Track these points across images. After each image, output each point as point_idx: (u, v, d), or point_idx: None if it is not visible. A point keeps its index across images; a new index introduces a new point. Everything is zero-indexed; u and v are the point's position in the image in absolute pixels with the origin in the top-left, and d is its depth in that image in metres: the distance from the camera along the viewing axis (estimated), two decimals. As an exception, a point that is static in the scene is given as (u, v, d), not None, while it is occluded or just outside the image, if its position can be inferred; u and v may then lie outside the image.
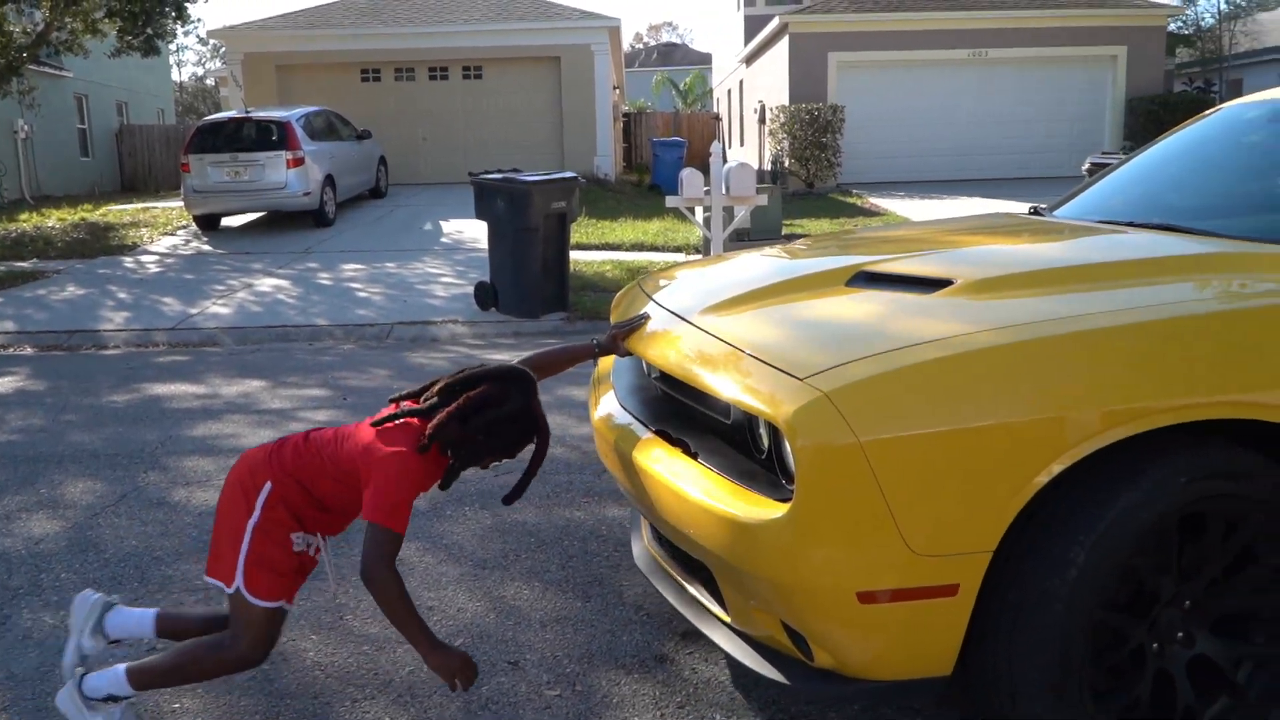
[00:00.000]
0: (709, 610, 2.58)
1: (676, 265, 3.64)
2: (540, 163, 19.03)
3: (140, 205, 18.32)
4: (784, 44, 21.20)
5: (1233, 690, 2.35)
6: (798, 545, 2.08)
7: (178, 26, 16.89)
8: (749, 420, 2.40)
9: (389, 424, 2.42)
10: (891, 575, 2.07)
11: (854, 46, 20.79)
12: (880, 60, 20.99)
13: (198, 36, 63.78)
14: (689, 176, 8.96)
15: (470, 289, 9.43)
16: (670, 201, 9.12)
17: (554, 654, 3.07)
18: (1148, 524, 2.13)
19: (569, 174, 8.80)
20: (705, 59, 47.94)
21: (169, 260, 12.25)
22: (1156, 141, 3.99)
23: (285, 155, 13.49)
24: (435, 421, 2.38)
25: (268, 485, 2.43)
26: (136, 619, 2.69)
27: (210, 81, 57.23)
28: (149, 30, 15.85)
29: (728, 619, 2.47)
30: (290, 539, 2.44)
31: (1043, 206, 4.00)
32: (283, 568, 2.45)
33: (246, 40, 20.94)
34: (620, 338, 2.94)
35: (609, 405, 3.03)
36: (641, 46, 66.59)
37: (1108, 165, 10.27)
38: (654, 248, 12.43)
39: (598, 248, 12.44)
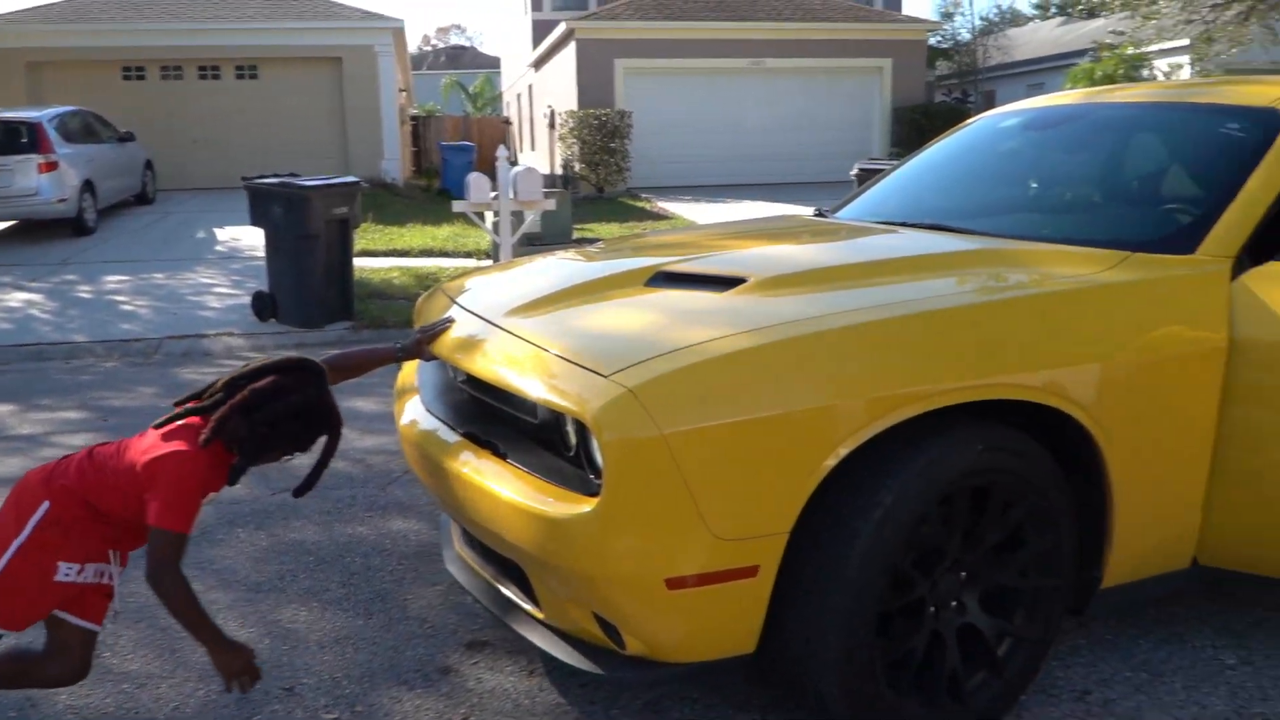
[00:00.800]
0: (522, 609, 2.62)
1: (480, 269, 3.73)
2: (324, 167, 18.41)
3: None
4: (571, 49, 21.34)
5: (993, 665, 2.58)
6: (607, 537, 2.17)
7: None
8: (556, 419, 2.45)
9: (171, 424, 2.33)
10: (697, 560, 2.17)
11: (640, 53, 21.16)
12: (665, 67, 21.45)
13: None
14: (476, 181, 8.87)
15: (247, 299, 9.01)
16: (457, 206, 9.01)
17: (333, 676, 2.96)
18: (926, 502, 2.32)
19: (351, 178, 8.55)
20: (494, 63, 47.73)
21: (-96, 274, 11.11)
22: (924, 148, 4.34)
23: (36, 159, 12.48)
24: (217, 416, 2.30)
25: (44, 505, 2.29)
26: None
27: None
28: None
29: (541, 616, 2.53)
30: (56, 565, 2.28)
31: (826, 209, 4.26)
32: (36, 594, 2.30)
33: (-8, 35, 19.28)
34: (425, 342, 2.92)
35: (415, 411, 3.02)
36: (430, 49, 65.57)
37: (875, 170, 10.89)
38: (444, 253, 12.24)
39: (385, 254, 12.14)
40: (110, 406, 6.09)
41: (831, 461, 2.23)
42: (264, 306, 8.43)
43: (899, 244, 3.26)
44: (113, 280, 10.47)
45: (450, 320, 2.96)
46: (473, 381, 2.88)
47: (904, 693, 2.45)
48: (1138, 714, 2.70)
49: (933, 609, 2.50)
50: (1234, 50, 18.17)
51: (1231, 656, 2.99)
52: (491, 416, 2.80)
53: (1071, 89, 21.60)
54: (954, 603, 2.53)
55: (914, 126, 21.56)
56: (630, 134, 20.41)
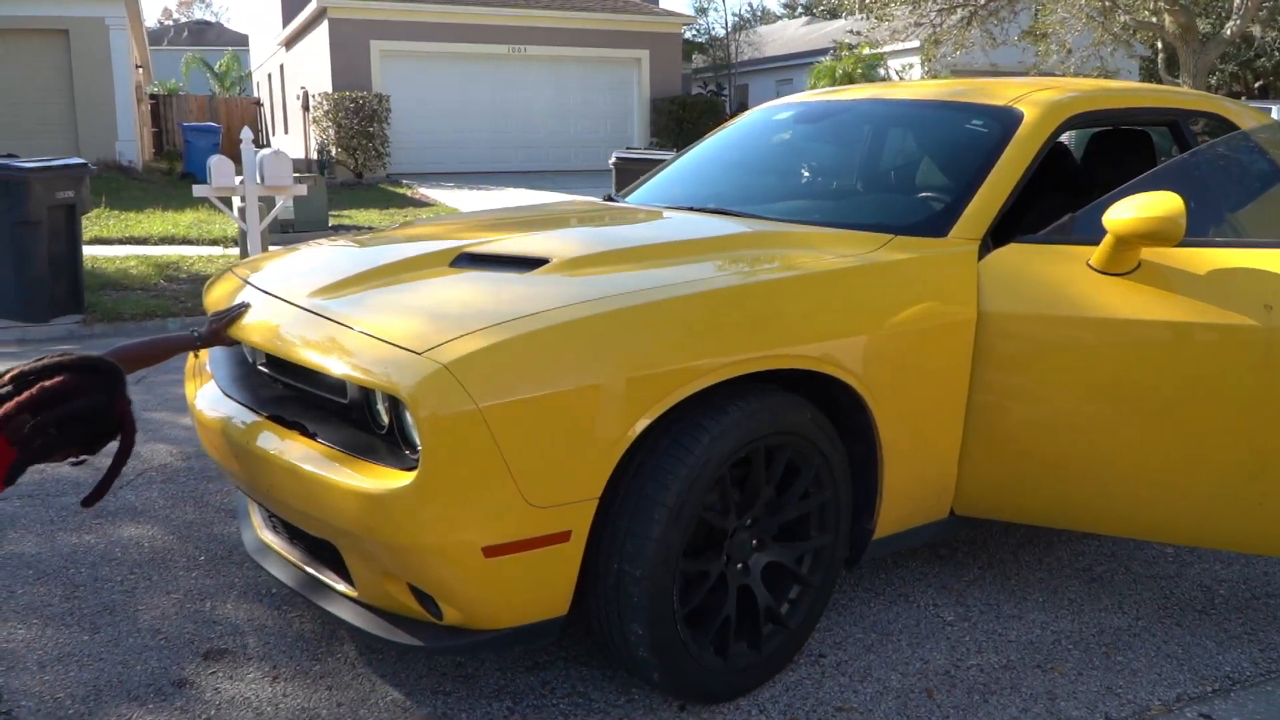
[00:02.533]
0: (333, 589, 2.65)
1: (273, 252, 3.63)
2: (51, 148, 16.91)
3: None
4: (324, 29, 20.55)
5: (800, 580, 2.81)
6: (426, 509, 2.22)
7: None
8: (366, 397, 2.48)
9: None
10: (512, 528, 2.27)
11: (397, 35, 20.64)
12: (425, 51, 21.03)
13: None
14: (218, 164, 8.39)
15: (-42, 291, 8.16)
16: (198, 191, 8.49)
17: (54, 696, 2.73)
18: (721, 465, 2.48)
19: (76, 160, 7.89)
20: (243, 40, 45.32)
21: None
22: (705, 138, 4.58)
23: None
24: (2, 411, 2.15)
25: None
26: None
27: None
28: None
29: (355, 594, 2.56)
30: None
31: (615, 194, 4.46)
32: None
33: None
34: (222, 327, 2.85)
35: (211, 396, 2.96)
36: (171, 24, 61.42)
37: (634, 160, 11.12)
38: (187, 240, 11.53)
39: (121, 242, 11.31)
40: None
41: (636, 430, 2.36)
42: (-21, 299, 7.68)
43: (687, 226, 3.44)
44: None
45: (246, 305, 2.90)
46: (274, 364, 2.86)
47: (704, 645, 2.61)
48: (868, 672, 2.85)
49: (729, 565, 2.66)
50: (958, 52, 19.69)
51: (950, 613, 3.18)
52: (295, 398, 2.78)
53: (814, 86, 22.94)
54: (747, 559, 2.71)
55: (671, 117, 22.13)
56: (389, 118, 19.90)
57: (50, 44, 18.79)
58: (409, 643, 2.45)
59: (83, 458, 2.32)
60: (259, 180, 8.45)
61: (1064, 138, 4.39)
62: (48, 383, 2.21)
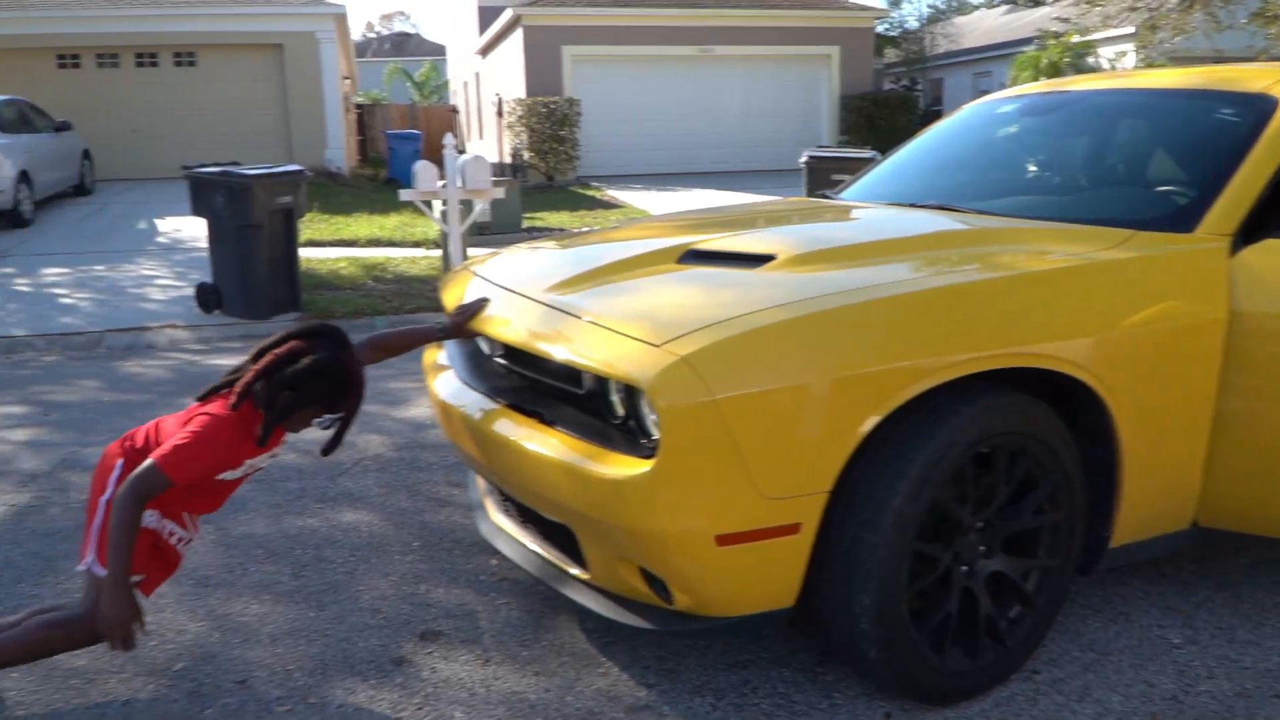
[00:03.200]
0: (565, 572, 2.79)
1: (503, 250, 3.81)
2: (266, 156, 18.08)
3: None
4: (518, 36, 21.18)
5: (1024, 599, 2.75)
6: (662, 496, 2.29)
7: None
8: (602, 387, 2.57)
9: (210, 396, 2.55)
10: (745, 518, 2.32)
11: (587, 40, 21.03)
12: (614, 55, 21.35)
13: None
14: (423, 169, 8.76)
15: (191, 291, 8.83)
16: (404, 195, 8.89)
17: (285, 668, 2.92)
18: (955, 463, 2.47)
19: (294, 167, 8.40)
20: (440, 50, 47.25)
21: None
22: (919, 134, 4.55)
23: (-31, 150, 12.11)
24: (243, 380, 2.48)
25: (118, 465, 2.54)
26: None
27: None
28: None
29: (586, 576, 2.69)
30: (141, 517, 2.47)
31: (829, 192, 4.44)
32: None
33: (-82, 21, 18.67)
34: (465, 321, 3.03)
35: (453, 386, 3.11)
36: (374, 36, 64.71)
37: (825, 159, 10.95)
38: (392, 243, 12.10)
39: (332, 244, 11.97)
40: (52, 401, 5.91)
41: (869, 425, 2.37)
42: (208, 298, 8.27)
43: (913, 223, 3.41)
44: (52, 273, 10.21)
45: (486, 300, 3.06)
46: (511, 355, 2.99)
47: (923, 639, 2.60)
48: (1086, 692, 2.74)
49: (956, 566, 2.64)
50: (1177, 38, 18.44)
51: (1177, 636, 3.02)
52: (530, 388, 2.90)
53: (1016, 78, 21.95)
54: (974, 563, 2.68)
55: (862, 114, 21.65)
56: (579, 122, 20.31)
57: (267, 58, 20.11)
58: (639, 625, 2.55)
59: (327, 417, 2.61)
60: (460, 184, 8.78)
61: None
62: (280, 349, 2.53)
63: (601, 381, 2.56)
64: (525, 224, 13.00)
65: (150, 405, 5.74)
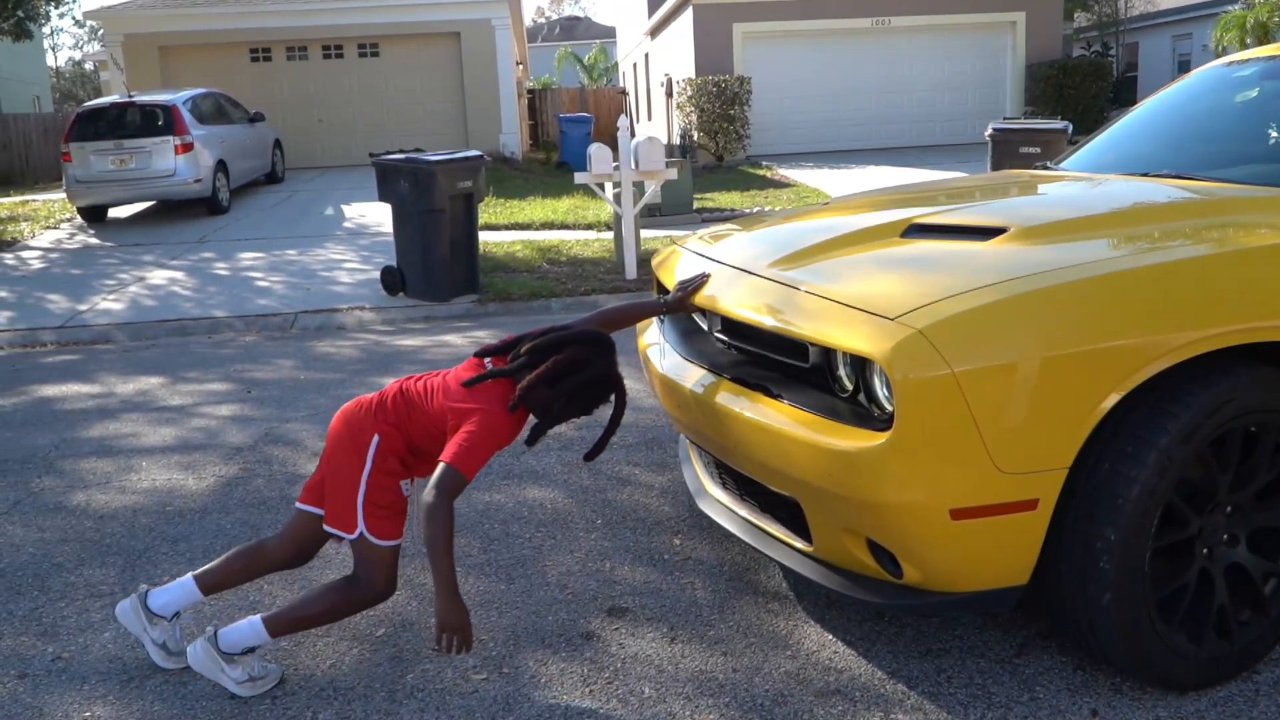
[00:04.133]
0: (784, 543, 2.80)
1: (716, 228, 3.80)
2: (443, 142, 18.71)
3: (19, 198, 17.36)
4: (688, 15, 21.12)
5: (1258, 603, 2.62)
6: (897, 469, 2.28)
7: (50, 8, 16.09)
8: (828, 361, 2.57)
9: (479, 384, 2.61)
10: (980, 492, 2.29)
11: (758, 17, 20.78)
12: (784, 30, 21.01)
13: (74, 18, 60.91)
14: (597, 152, 8.85)
15: (376, 274, 9.20)
16: (579, 178, 9.01)
17: (479, 638, 3.00)
18: (1200, 442, 2.37)
19: (474, 153, 8.61)
20: (609, 33, 47.70)
21: (53, 255, 11.69)
22: (1142, 103, 4.35)
23: (173, 141, 12.91)
24: (525, 384, 2.56)
25: (375, 438, 2.64)
26: (179, 590, 2.85)
27: (89, 66, 54.92)
28: (19, 13, 15.06)
29: (809, 549, 2.70)
30: (399, 485, 2.66)
31: (1049, 162, 4.28)
32: (396, 509, 2.68)
33: (126, 21, 20.03)
34: (688, 296, 3.07)
35: (674, 361, 3.15)
36: (544, 21, 65.81)
37: (1012, 130, 10.47)
38: (564, 226, 12.29)
39: (507, 228, 12.26)
40: (253, 379, 6.26)
41: (1111, 401, 2.30)
42: (393, 281, 8.60)
43: (1150, 192, 3.27)
44: (247, 257, 10.83)
45: (706, 275, 3.08)
46: (731, 330, 2.99)
47: (1174, 627, 2.51)
48: (1311, 696, 2.55)
49: (1203, 548, 2.54)
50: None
51: None
52: (752, 363, 2.90)
53: (1220, 40, 20.46)
54: (1222, 542, 2.57)
55: (1050, 83, 20.57)
56: (749, 100, 20.11)
57: (444, 46, 20.73)
58: (868, 599, 2.54)
59: (582, 418, 2.70)
60: (634, 166, 8.83)
61: None
62: (559, 356, 2.60)
63: (829, 355, 2.56)
64: (696, 205, 12.98)
65: (342, 384, 6.00)
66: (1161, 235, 2.71)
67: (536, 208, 13.63)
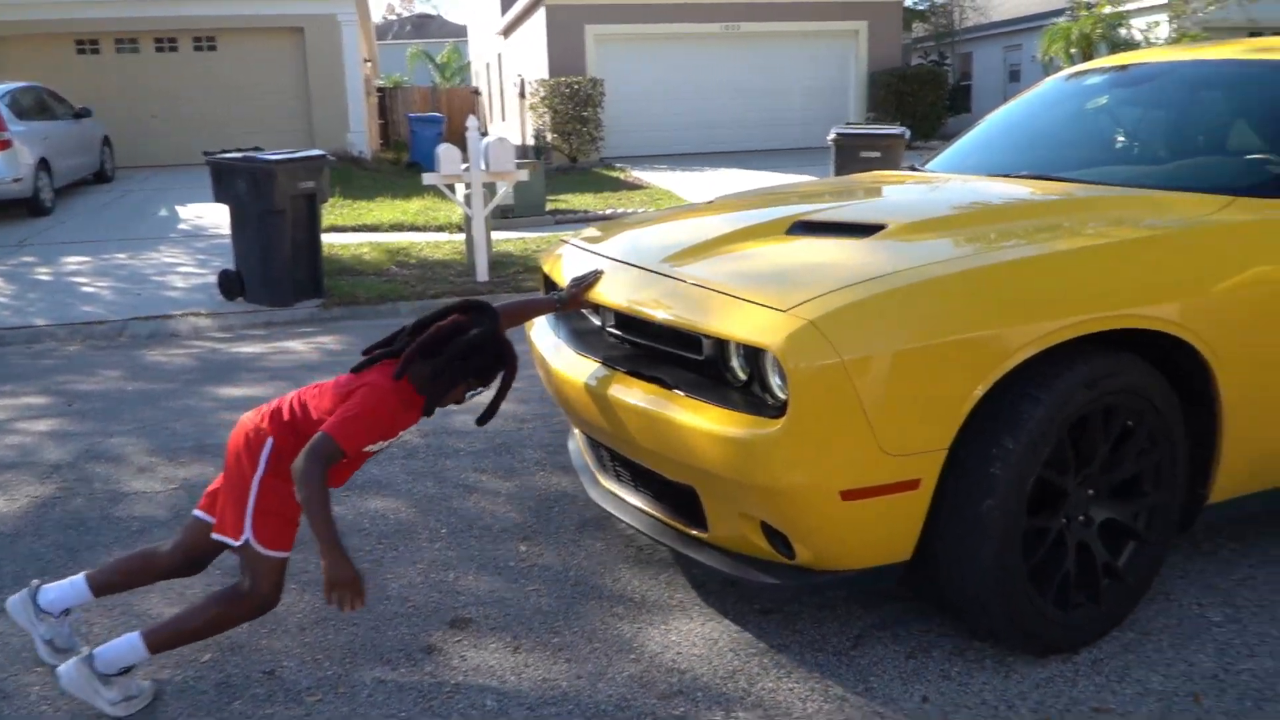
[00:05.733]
0: (681, 531, 2.90)
1: (606, 224, 3.93)
2: (287, 141, 18.06)
3: None
4: (540, 16, 21.05)
5: (1137, 537, 2.84)
6: (791, 454, 2.40)
7: None
8: (722, 352, 2.67)
9: (366, 368, 2.61)
10: (868, 473, 2.43)
11: (611, 19, 20.86)
12: (637, 33, 21.16)
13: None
14: (445, 152, 8.69)
15: (214, 278, 8.80)
16: (427, 179, 8.83)
17: (314, 657, 2.88)
18: (1064, 422, 2.56)
19: (316, 151, 8.34)
20: (462, 31, 47.10)
21: None
22: (1000, 108, 4.66)
23: (-12, 137, 12.13)
24: (408, 350, 2.57)
25: (270, 441, 2.59)
26: (70, 588, 2.81)
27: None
28: None
29: (705, 536, 2.80)
30: (294, 491, 2.53)
31: (918, 164, 4.55)
32: (287, 517, 2.61)
33: (-60, 10, 18.72)
34: (582, 292, 3.11)
35: (567, 357, 3.19)
36: (394, 18, 64.50)
37: (853, 135, 10.77)
38: (415, 228, 12.04)
39: (354, 229, 11.93)
40: (76, 390, 5.86)
41: (984, 386, 2.46)
42: (231, 285, 8.24)
43: (1013, 192, 3.51)
44: (73, 262, 10.19)
45: (599, 271, 3.14)
46: (624, 325, 3.08)
47: (1047, 595, 2.68)
48: (1126, 672, 2.70)
49: (1067, 520, 2.72)
50: (1211, 7, 18.09)
51: (1218, 614, 2.97)
52: (646, 356, 2.98)
53: (1048, 49, 21.60)
54: (1085, 514, 2.76)
55: (890, 91, 21.35)
56: (603, 102, 20.16)
57: (288, 42, 20.03)
58: (762, 580, 2.64)
59: (478, 389, 2.68)
60: (484, 167, 8.72)
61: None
62: (443, 323, 2.61)
63: (723, 346, 2.66)
64: (549, 206, 12.92)
65: (174, 394, 5.70)
66: (1026, 231, 2.89)
67: (386, 209, 13.33)
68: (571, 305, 3.16)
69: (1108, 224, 2.92)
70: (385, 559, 3.49)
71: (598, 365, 3.03)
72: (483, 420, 2.77)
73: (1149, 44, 21.50)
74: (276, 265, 7.95)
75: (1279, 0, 19.66)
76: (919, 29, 31.61)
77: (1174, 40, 19.89)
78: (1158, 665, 2.73)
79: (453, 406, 2.77)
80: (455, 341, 2.59)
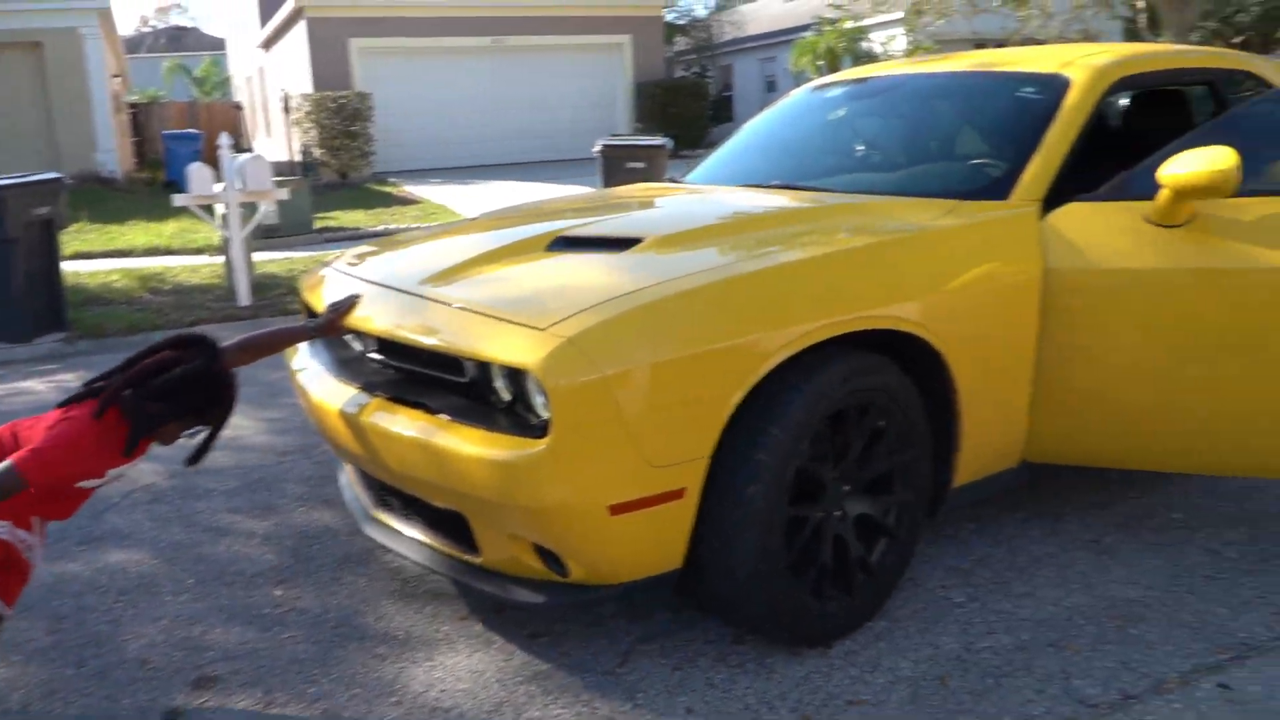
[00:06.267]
0: (454, 558, 2.84)
1: (369, 245, 3.78)
2: (28, 163, 16.62)
3: None
4: (302, 28, 20.33)
5: (888, 533, 2.95)
6: (557, 473, 2.40)
7: None
8: (485, 373, 2.62)
9: (74, 402, 2.43)
10: (634, 487, 2.46)
11: (376, 32, 20.41)
12: (404, 47, 20.80)
13: None
14: (197, 172, 8.21)
15: (-62, 314, 8.02)
16: (178, 200, 8.31)
17: (38, 738, 2.63)
18: (817, 421, 2.65)
19: (51, 175, 7.71)
20: (220, 44, 44.97)
21: None
22: (751, 121, 4.81)
23: None
24: (109, 388, 2.40)
25: None
26: None
27: None
28: None
29: (478, 560, 2.76)
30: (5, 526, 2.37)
31: (678, 176, 4.62)
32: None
33: None
34: (338, 318, 2.99)
35: (329, 386, 3.08)
36: (149, 30, 60.92)
37: (620, 146, 10.95)
38: (171, 251, 11.35)
39: (104, 255, 11.13)
40: None
41: (741, 392, 2.52)
42: (-42, 321, 7.54)
43: (764, 203, 3.62)
44: None
45: (357, 296, 3.03)
46: (387, 350, 3.00)
47: (806, 589, 2.76)
48: (878, 661, 2.79)
49: (824, 513, 2.81)
50: (940, 21, 19.50)
51: (960, 595, 3.11)
52: (408, 380, 2.91)
53: (797, 62, 22.70)
54: (841, 509, 2.85)
55: (656, 102, 21.87)
56: (372, 116, 19.67)
57: (24, 57, 18.57)
58: (534, 600, 2.65)
59: (198, 429, 2.55)
60: (240, 186, 8.31)
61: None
62: (150, 360, 2.48)
63: (484, 368, 2.62)
64: (318, 224, 12.47)
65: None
66: (776, 240, 2.97)
67: (139, 232, 12.52)
68: (328, 332, 3.03)
69: (847, 230, 3.05)
70: (124, 618, 3.22)
71: (359, 392, 2.94)
72: (192, 461, 2.62)
73: (888, 56, 23.03)
74: (10, 298, 7.29)
75: (999, 14, 21.52)
76: (681, 42, 32.61)
77: (910, 52, 21.37)
78: (907, 651, 2.82)
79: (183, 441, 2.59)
80: (159, 377, 2.44)
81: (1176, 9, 17.67)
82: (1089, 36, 21.48)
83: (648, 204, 3.96)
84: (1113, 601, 3.06)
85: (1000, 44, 21.79)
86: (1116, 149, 4.08)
